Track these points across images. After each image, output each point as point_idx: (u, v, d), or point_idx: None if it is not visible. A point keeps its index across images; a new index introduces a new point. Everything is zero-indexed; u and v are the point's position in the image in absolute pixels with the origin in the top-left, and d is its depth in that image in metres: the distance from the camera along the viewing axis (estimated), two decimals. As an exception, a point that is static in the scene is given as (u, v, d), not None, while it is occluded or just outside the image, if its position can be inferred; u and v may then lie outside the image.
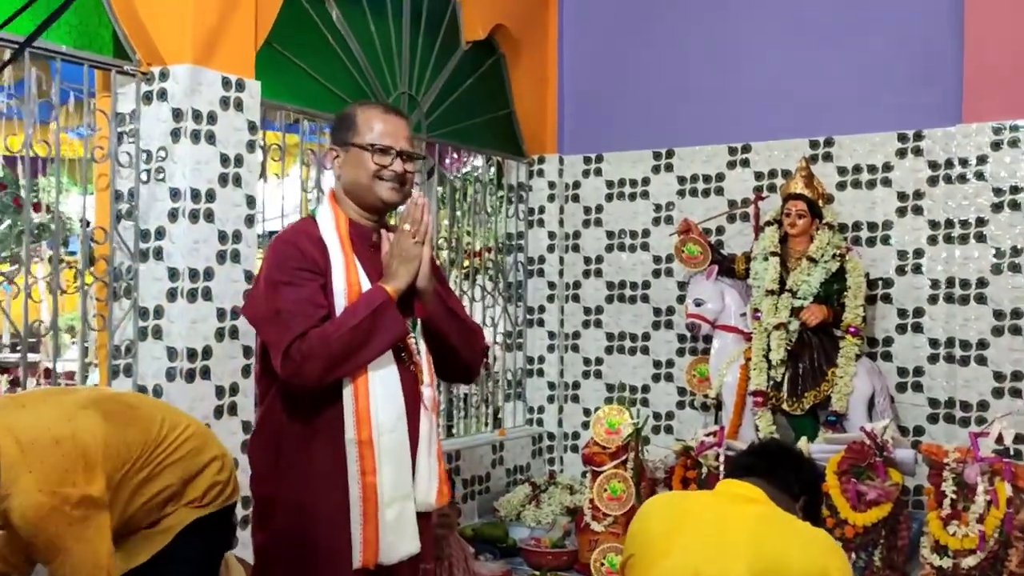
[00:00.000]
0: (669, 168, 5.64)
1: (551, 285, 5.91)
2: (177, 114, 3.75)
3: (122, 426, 2.49)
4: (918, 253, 5.00)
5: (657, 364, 5.66)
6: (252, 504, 2.61)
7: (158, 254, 3.77)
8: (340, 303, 2.39)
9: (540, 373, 5.93)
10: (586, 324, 5.87)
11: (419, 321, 2.53)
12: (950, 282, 4.88)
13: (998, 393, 4.70)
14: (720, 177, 5.49)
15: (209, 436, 2.72)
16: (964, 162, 4.83)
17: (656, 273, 5.66)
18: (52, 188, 3.82)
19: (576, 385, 5.89)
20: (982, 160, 4.78)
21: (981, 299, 4.77)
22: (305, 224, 2.54)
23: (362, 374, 2.39)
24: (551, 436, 5.91)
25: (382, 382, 2.42)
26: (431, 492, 2.49)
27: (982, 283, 4.77)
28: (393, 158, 2.49)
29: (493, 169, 5.84)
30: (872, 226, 5.11)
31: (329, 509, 2.38)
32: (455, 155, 5.70)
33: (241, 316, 3.77)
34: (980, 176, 4.79)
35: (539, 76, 5.87)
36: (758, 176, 5.39)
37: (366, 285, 2.42)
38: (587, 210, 5.86)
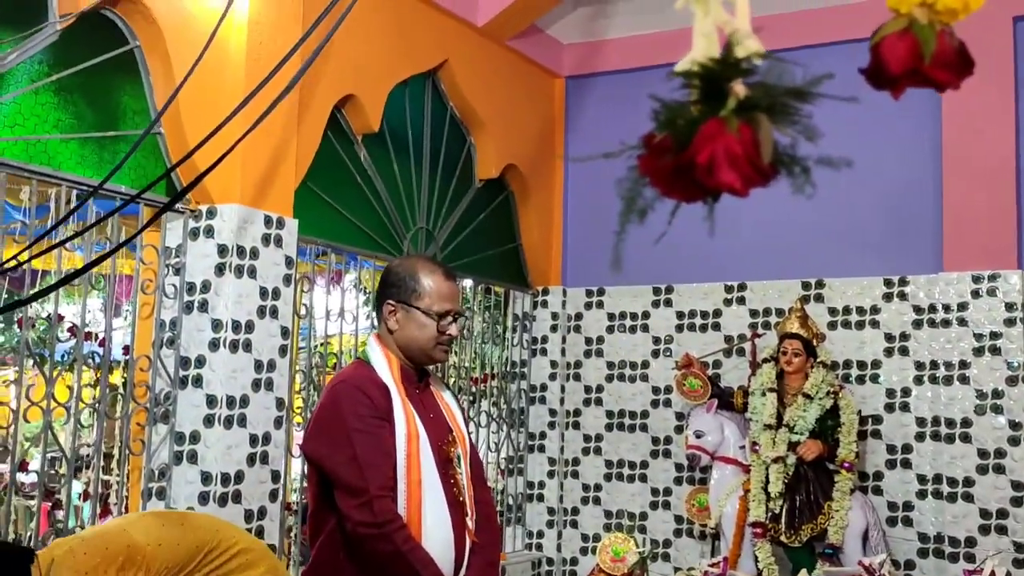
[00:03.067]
0: (668, 303, 5.92)
1: (552, 412, 6.12)
2: (222, 250, 3.99)
3: (177, 529, 2.67)
4: (905, 392, 5.27)
5: (655, 492, 5.84)
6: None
7: (197, 381, 3.95)
8: (401, 447, 2.57)
9: (540, 498, 6.08)
10: (586, 451, 6.05)
11: (461, 455, 2.72)
12: (936, 421, 5.14)
13: (984, 530, 4.92)
14: (717, 313, 5.78)
15: (262, 552, 2.86)
16: (947, 308, 5.14)
17: (655, 403, 5.88)
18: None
19: (575, 511, 6.04)
20: (963, 307, 5.11)
21: (966, 438, 5.03)
22: (365, 369, 2.70)
23: (417, 517, 2.57)
24: (550, 561, 6.02)
25: (436, 526, 2.59)
26: None
27: (966, 423, 5.03)
28: (452, 324, 2.68)
29: (490, 296, 6.09)
30: (862, 364, 5.39)
31: None
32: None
33: (300, 452, 3.93)
34: (962, 322, 5.10)
35: (545, 213, 6.19)
36: (753, 313, 5.68)
37: (423, 432, 2.62)
38: (588, 341, 6.11)
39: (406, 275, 2.72)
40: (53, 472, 5.18)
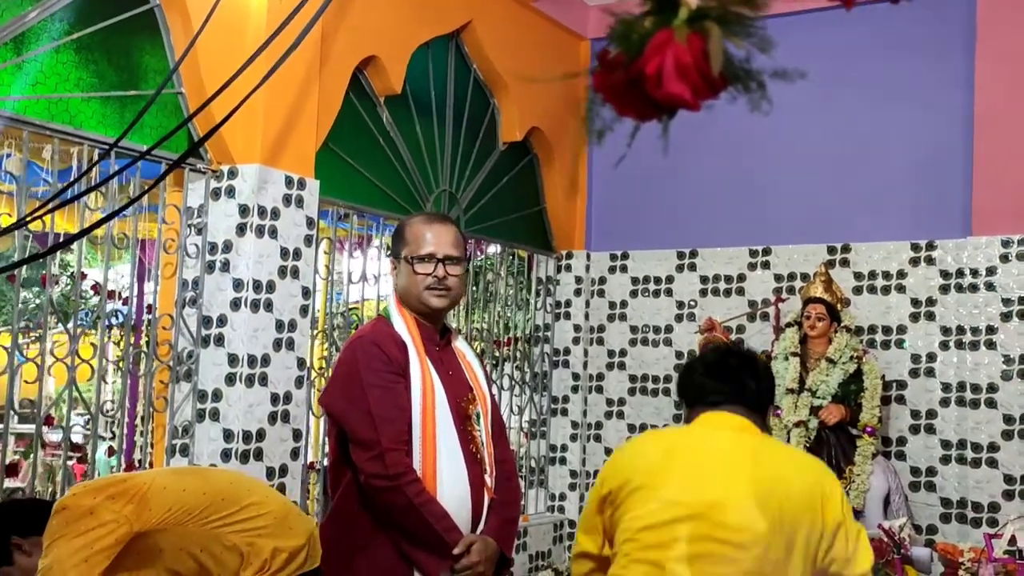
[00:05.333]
0: (692, 267, 5.88)
1: (575, 376, 6.11)
2: (244, 210, 4.00)
3: (188, 476, 2.75)
4: (931, 357, 5.21)
5: (677, 456, 5.82)
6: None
7: (219, 340, 3.98)
8: (416, 402, 2.58)
9: (563, 461, 6.10)
10: (608, 415, 6.05)
11: (481, 413, 2.72)
12: (961, 386, 5.08)
13: (1008, 495, 4.87)
14: (741, 278, 5.73)
15: (287, 522, 2.87)
16: (974, 272, 5.07)
17: (678, 368, 5.86)
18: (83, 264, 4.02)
19: (597, 473, 6.03)
20: (991, 271, 5.03)
21: (991, 403, 4.97)
22: (384, 325, 2.72)
23: (432, 471, 2.57)
24: (572, 523, 6.04)
25: (452, 481, 2.59)
26: None
27: (992, 388, 4.97)
28: (436, 265, 2.66)
29: (514, 259, 6.08)
30: (887, 330, 5.33)
31: None
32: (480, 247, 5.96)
33: (319, 406, 3.97)
34: (990, 287, 5.03)
35: (569, 177, 6.16)
36: (778, 278, 5.63)
37: (439, 387, 2.62)
38: (612, 305, 6.09)
39: (400, 230, 2.76)
40: (87, 430, 5.27)
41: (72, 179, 3.50)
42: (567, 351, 6.13)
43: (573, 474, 6.07)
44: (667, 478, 2.21)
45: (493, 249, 5.96)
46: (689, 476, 2.20)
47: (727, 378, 2.34)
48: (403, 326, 2.69)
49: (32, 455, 3.71)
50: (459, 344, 2.83)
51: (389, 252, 2.79)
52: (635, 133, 0.89)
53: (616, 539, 2.25)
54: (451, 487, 2.59)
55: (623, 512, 2.23)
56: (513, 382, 5.89)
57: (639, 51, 0.72)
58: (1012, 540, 4.16)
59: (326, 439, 3.29)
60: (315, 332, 4.54)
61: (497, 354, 5.81)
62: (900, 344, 5.29)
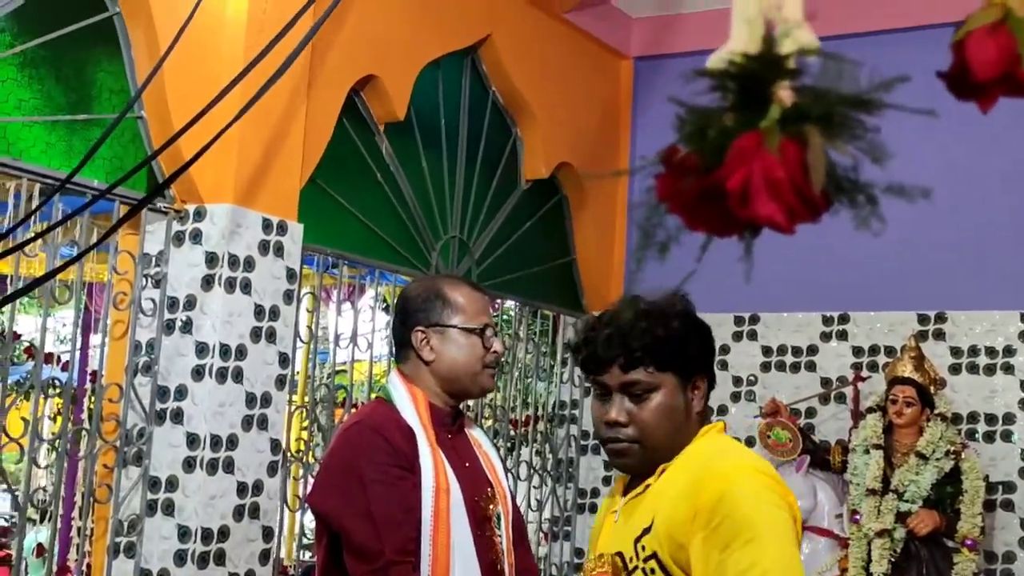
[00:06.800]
0: (753, 336, 5.86)
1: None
2: (211, 259, 4.02)
3: None
4: (1045, 454, 5.17)
5: (731, 567, 5.76)
6: None
7: (177, 416, 3.98)
8: (428, 503, 2.57)
9: (590, 569, 6.02)
10: (647, 513, 5.99)
11: (502, 513, 2.71)
12: (1083, 491, 5.02)
13: None
14: (812, 350, 5.71)
15: None
16: (1099, 351, 5.04)
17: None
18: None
19: (632, 586, 5.97)
20: (1121, 350, 4.99)
21: (1120, 513, 4.90)
22: (386, 409, 2.70)
23: None
24: (600, 646, 5.96)
25: None
26: None
27: (1121, 494, 4.91)
28: (493, 336, 2.71)
29: (535, 318, 6.07)
30: (991, 419, 5.29)
31: None
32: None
33: (308, 505, 3.96)
34: (1119, 368, 4.99)
35: (606, 221, 6.17)
36: (857, 351, 5.60)
37: (454, 484, 2.61)
38: (654, 379, 6.06)
39: (430, 294, 2.75)
40: (13, 521, 5.26)
41: (9, 221, 3.52)
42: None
43: (603, 586, 6.01)
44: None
45: (510, 303, 5.96)
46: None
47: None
48: (411, 409, 2.68)
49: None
50: (473, 431, 2.84)
51: (415, 321, 2.75)
52: (707, 245, 0.88)
53: None
54: None
55: None
56: (532, 470, 5.85)
57: (717, 155, 0.71)
58: None
59: (302, 538, 3.27)
60: (293, 407, 4.53)
61: (513, 435, 5.78)
62: (1008, 437, 5.24)
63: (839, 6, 5.32)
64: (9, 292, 3.19)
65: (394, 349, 2.90)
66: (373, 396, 3.08)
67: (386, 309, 5.89)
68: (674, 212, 0.78)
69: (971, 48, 0.76)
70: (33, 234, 3.65)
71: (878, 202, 0.75)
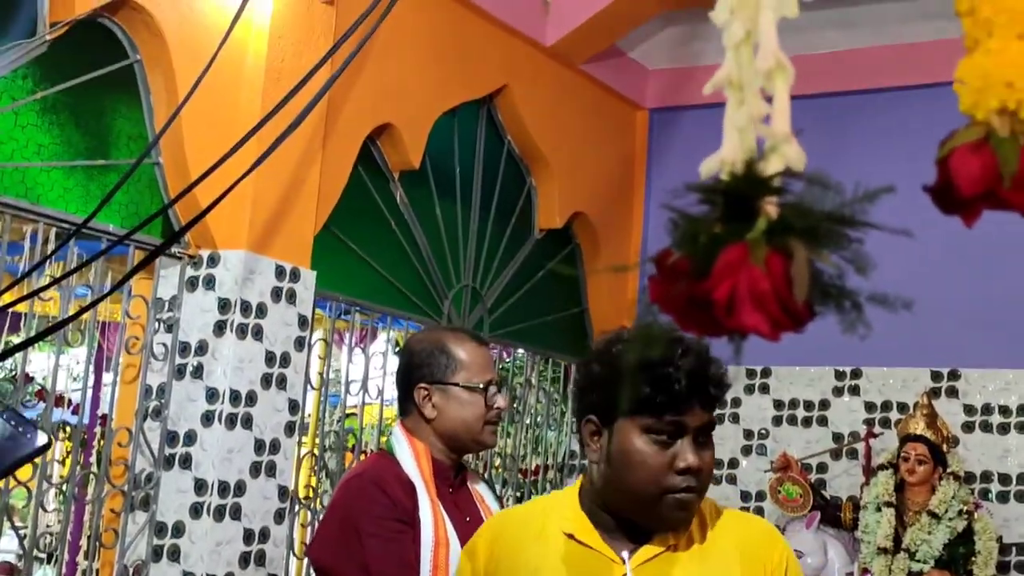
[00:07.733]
0: (764, 389, 5.86)
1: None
2: (224, 305, 4.05)
3: None
4: (1059, 515, 5.14)
5: (739, 622, 5.72)
6: None
7: (185, 462, 4.00)
8: (427, 556, 2.58)
9: (597, 621, 6.00)
10: (656, 566, 5.97)
11: None
12: (1097, 553, 4.99)
13: None
14: (824, 404, 5.70)
15: None
16: (1115, 412, 5.02)
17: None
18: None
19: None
20: None
21: None
22: (387, 462, 2.72)
23: None
24: None
25: None
26: None
27: None
28: (496, 394, 2.73)
29: (546, 365, 6.08)
30: (1005, 479, 5.26)
31: None
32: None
33: (306, 558, 3.97)
34: None
35: (619, 273, 6.19)
36: (869, 407, 5.59)
37: (454, 539, 2.62)
38: (665, 430, 6.05)
39: (433, 349, 2.76)
40: (10, 565, 5.28)
41: (26, 263, 3.56)
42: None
43: (610, 639, 5.97)
44: None
45: (522, 351, 5.97)
46: None
47: None
48: (412, 463, 2.69)
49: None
50: (477, 485, 2.85)
51: (418, 376, 2.76)
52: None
53: None
54: None
55: None
56: (540, 521, 5.82)
57: (706, 261, 0.73)
58: None
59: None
60: (302, 453, 4.54)
61: (523, 484, 5.77)
62: (1021, 497, 5.21)
63: (830, 62, 5.39)
64: (23, 335, 3.23)
65: (397, 403, 2.91)
66: (383, 440, 3.09)
67: (398, 354, 5.91)
68: (666, 313, 0.80)
69: (955, 165, 0.78)
70: (49, 278, 3.69)
71: (863, 308, 0.77)
